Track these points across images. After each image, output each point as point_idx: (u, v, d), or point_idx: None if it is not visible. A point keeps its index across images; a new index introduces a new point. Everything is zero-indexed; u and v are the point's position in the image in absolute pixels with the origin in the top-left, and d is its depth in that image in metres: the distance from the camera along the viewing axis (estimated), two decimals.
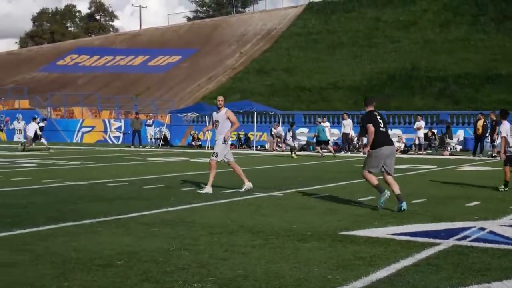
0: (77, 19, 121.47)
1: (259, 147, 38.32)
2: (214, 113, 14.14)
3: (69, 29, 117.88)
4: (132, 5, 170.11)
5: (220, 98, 14.19)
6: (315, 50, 63.04)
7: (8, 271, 6.32)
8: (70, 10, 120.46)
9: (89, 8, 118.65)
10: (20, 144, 33.37)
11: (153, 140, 41.01)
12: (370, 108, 11.66)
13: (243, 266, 6.60)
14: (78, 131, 46.53)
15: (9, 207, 10.80)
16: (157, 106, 50.71)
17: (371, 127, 11.30)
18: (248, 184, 13.80)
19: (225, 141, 13.78)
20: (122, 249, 7.40)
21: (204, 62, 66.95)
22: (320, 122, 31.62)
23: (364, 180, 11.79)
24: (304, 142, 37.27)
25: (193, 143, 39.34)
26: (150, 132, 40.73)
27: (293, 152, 29.30)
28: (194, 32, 78.22)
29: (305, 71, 58.09)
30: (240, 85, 57.28)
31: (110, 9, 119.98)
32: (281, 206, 11.39)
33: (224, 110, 13.95)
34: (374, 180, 11.43)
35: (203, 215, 10.22)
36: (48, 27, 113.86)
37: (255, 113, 38.29)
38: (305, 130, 39.50)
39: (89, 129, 46.65)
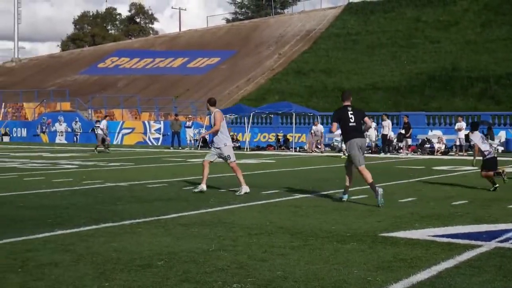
0: (117, 22, 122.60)
1: (298, 148, 38.25)
2: (211, 115, 14.24)
3: (110, 32, 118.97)
4: (172, 8, 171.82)
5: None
6: (354, 51, 62.74)
7: (51, 270, 6.40)
8: (110, 13, 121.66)
9: (129, 11, 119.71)
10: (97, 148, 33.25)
11: (192, 141, 41.20)
12: (347, 103, 12.15)
13: (282, 267, 6.59)
14: (118, 132, 46.95)
15: (51, 208, 10.95)
16: (196, 107, 50.93)
17: (334, 127, 12.34)
18: (201, 186, 13.63)
19: (225, 143, 13.87)
20: (161, 250, 7.44)
21: (243, 63, 67.08)
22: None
23: (403, 181, 11.71)
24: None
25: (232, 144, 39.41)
26: (190, 133, 40.92)
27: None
28: (233, 33, 78.42)
29: (344, 72, 57.85)
30: (279, 86, 57.25)
31: (150, 12, 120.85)
32: (320, 207, 11.35)
33: (214, 111, 13.94)
34: (369, 177, 11.78)
35: (241, 216, 10.23)
36: (89, 30, 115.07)
37: (293, 114, 38.25)
38: None
39: (129, 130, 47.06)
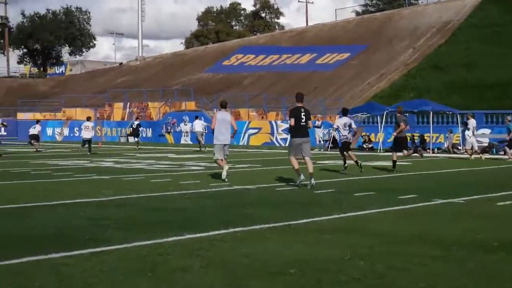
0: (242, 18, 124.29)
1: (435, 149, 37.42)
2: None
3: (234, 28, 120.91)
4: (298, 1, 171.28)
5: None
6: (497, 43, 60.72)
7: (181, 276, 6.57)
8: (235, 9, 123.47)
9: (254, 6, 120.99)
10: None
11: (322, 142, 41.16)
12: (300, 104, 15.50)
13: (424, 279, 6.46)
14: (245, 133, 47.54)
15: (179, 211, 11.25)
16: (325, 106, 50.89)
17: (292, 122, 15.33)
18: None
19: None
20: (293, 257, 7.47)
21: (375, 58, 66.41)
22: (510, 121, 30.21)
23: None
24: (486, 144, 35.99)
25: (364, 146, 39.14)
26: (319, 133, 40.86)
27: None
28: (364, 27, 77.77)
29: (486, 66, 56.08)
30: (414, 83, 56.32)
31: (275, 6, 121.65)
32: (463, 214, 11.07)
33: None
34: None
35: (377, 222, 10.14)
36: (213, 27, 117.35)
37: (431, 112, 37.47)
38: (487, 131, 38.04)
39: (255, 131, 47.59)
